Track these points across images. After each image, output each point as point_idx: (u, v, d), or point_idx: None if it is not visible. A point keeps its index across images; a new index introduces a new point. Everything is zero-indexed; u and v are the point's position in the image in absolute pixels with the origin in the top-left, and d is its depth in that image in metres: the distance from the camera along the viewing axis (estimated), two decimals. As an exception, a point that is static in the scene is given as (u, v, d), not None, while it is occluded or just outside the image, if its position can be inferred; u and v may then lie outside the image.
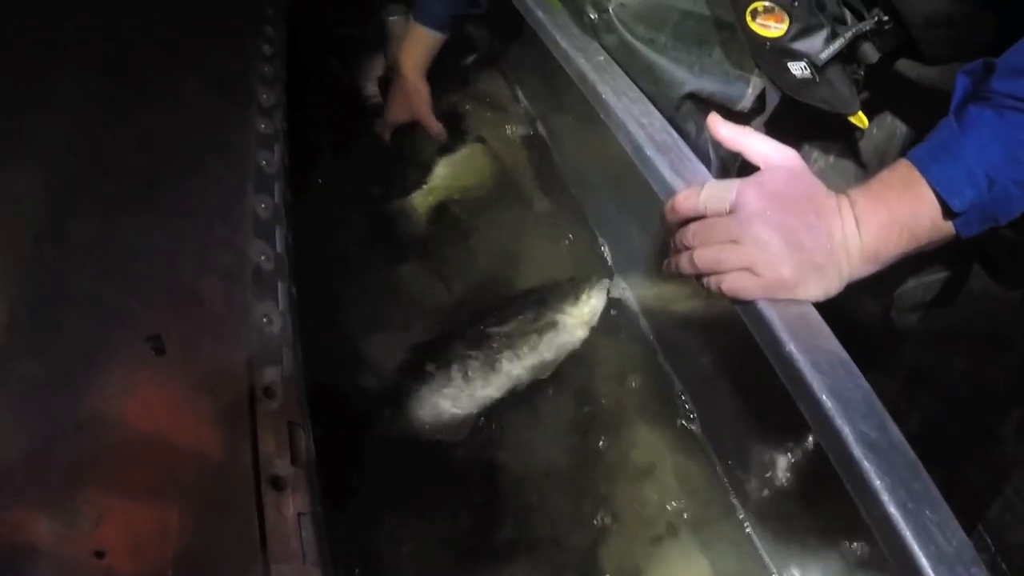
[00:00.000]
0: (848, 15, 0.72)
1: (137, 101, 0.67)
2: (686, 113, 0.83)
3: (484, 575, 0.74)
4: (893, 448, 0.51)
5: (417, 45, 1.13)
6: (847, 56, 0.71)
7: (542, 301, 0.92)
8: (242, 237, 0.56)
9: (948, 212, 0.53)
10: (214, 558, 0.38)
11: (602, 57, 0.81)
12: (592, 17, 0.82)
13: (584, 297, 0.92)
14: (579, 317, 0.92)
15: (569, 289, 0.93)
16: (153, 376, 0.43)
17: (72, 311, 0.46)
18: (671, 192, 0.64)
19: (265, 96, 0.75)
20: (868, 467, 0.49)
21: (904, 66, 0.77)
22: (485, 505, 0.79)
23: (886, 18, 0.67)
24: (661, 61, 0.80)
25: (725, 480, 0.83)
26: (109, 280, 0.48)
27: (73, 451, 0.40)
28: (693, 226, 0.57)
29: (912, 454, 0.51)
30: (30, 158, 0.55)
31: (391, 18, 1.21)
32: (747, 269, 0.54)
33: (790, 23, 0.69)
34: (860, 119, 0.76)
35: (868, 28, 0.68)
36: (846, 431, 0.51)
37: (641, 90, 0.80)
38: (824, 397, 0.52)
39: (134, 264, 0.50)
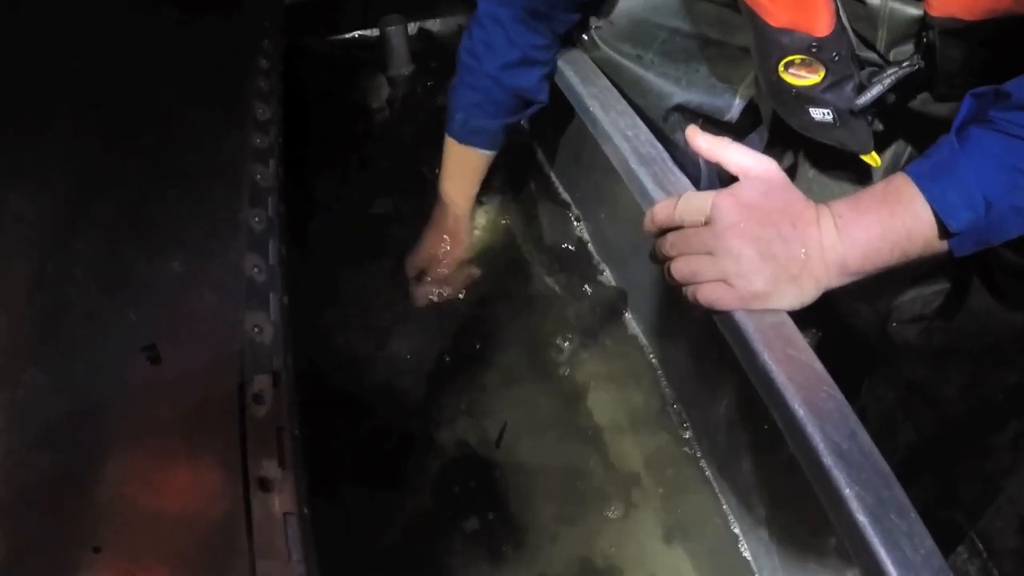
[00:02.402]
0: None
1: (135, 119, 0.72)
2: (674, 124, 0.87)
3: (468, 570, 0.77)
4: (864, 458, 0.54)
5: (464, 168, 0.97)
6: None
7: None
8: (236, 250, 0.60)
9: (943, 232, 0.55)
10: (204, 552, 0.42)
11: (591, 71, 0.84)
12: (580, 34, 0.86)
13: None
14: None
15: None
16: (148, 383, 0.47)
17: (73, 323, 0.50)
18: (652, 203, 0.67)
19: (261, 110, 0.80)
20: (838, 475, 0.52)
21: (914, 103, 0.78)
22: (472, 501, 0.83)
23: (920, 64, 0.67)
24: (648, 76, 0.84)
25: (715, 487, 0.86)
26: (108, 293, 0.53)
27: (72, 450, 0.44)
28: (670, 236, 0.61)
29: (883, 464, 0.54)
30: (33, 178, 0.60)
31: (389, 28, 1.26)
32: (722, 280, 0.58)
33: (825, 75, 0.70)
34: (873, 158, 0.78)
35: (907, 74, 0.68)
36: (817, 440, 0.54)
37: (630, 102, 0.84)
38: (796, 406, 0.55)
39: (132, 278, 0.55)
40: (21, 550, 0.39)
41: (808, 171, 1.01)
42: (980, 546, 0.93)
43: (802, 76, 0.71)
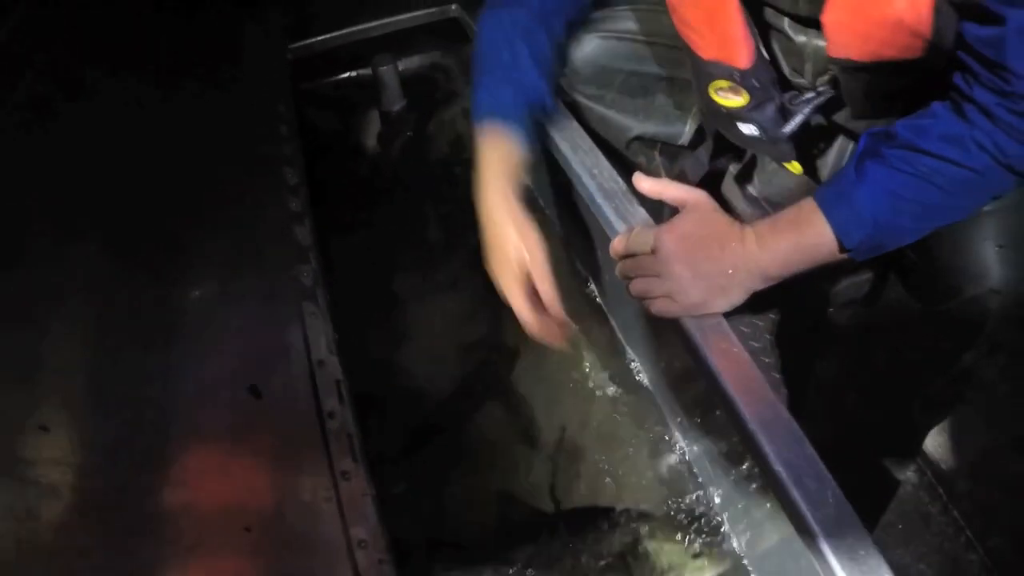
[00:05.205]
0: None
1: (186, 193, 0.92)
2: (636, 151, 1.07)
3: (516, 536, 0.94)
4: (780, 421, 0.74)
5: (498, 155, 0.84)
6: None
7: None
8: (295, 302, 0.81)
9: (842, 247, 0.73)
10: (314, 525, 0.63)
11: (563, 114, 1.04)
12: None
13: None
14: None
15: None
16: (256, 413, 0.69)
17: (192, 372, 0.71)
18: (615, 233, 0.88)
19: (290, 175, 1.00)
20: (761, 438, 0.73)
21: (837, 117, 0.93)
22: (515, 478, 1.00)
23: (833, 92, 0.82)
24: (610, 113, 1.03)
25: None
26: (214, 346, 0.74)
27: (213, 464, 0.65)
28: (627, 263, 0.81)
29: (796, 427, 0.73)
30: (117, 245, 0.80)
31: (381, 68, 1.44)
32: (668, 296, 0.79)
33: (749, 99, 0.85)
34: (794, 166, 0.95)
35: (822, 101, 0.83)
36: (743, 410, 0.74)
37: (596, 136, 1.03)
38: (727, 385, 0.76)
39: (227, 332, 0.75)
40: (194, 527, 0.61)
41: (768, 164, 1.21)
42: (940, 491, 1.15)
43: (730, 98, 0.87)
